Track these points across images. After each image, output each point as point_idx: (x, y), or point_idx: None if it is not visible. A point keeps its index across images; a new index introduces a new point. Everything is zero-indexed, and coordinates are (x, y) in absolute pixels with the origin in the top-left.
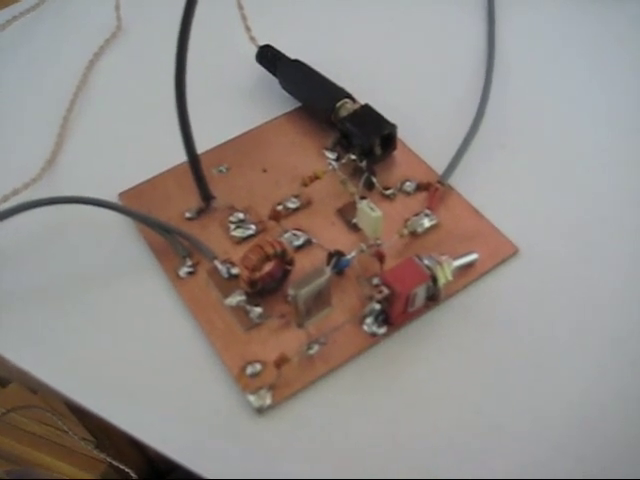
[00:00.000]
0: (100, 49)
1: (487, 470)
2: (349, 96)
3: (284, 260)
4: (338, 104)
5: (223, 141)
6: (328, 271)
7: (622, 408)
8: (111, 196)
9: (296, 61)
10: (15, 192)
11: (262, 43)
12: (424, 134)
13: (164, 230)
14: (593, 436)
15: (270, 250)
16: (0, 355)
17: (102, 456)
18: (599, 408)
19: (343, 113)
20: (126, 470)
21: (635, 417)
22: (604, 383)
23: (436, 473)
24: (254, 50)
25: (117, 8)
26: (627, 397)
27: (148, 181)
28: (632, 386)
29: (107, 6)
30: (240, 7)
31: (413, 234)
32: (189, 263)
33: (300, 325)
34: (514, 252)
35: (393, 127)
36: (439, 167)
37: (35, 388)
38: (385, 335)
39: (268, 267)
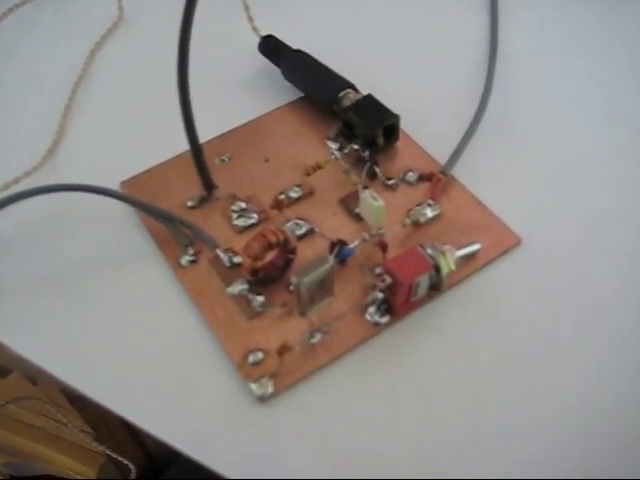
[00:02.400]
0: (102, 39)
1: (486, 461)
2: (352, 86)
3: (286, 249)
4: (341, 94)
5: (225, 131)
6: (331, 259)
7: (622, 405)
8: (113, 185)
9: (299, 51)
10: (17, 180)
11: (265, 33)
12: (427, 125)
13: (166, 218)
14: (593, 432)
15: (273, 239)
16: (1, 343)
17: (101, 448)
18: (599, 404)
19: (346, 103)
20: (125, 462)
21: (635, 413)
22: (604, 378)
23: (435, 462)
24: (257, 40)
25: None
26: (627, 394)
27: (150, 170)
28: (632, 382)
29: None
30: None
31: (416, 224)
32: (191, 252)
33: (302, 314)
34: (517, 242)
35: (396, 117)
36: (441, 158)
37: (35, 377)
38: (387, 324)
39: (270, 256)
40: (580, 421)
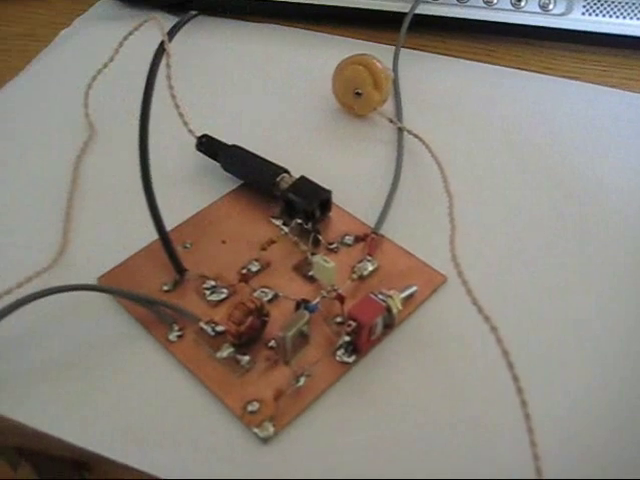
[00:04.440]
0: (81, 152)
1: (456, 470)
2: (286, 171)
3: (261, 313)
4: (278, 179)
5: (180, 222)
6: (307, 314)
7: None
8: (91, 280)
9: (234, 146)
10: (19, 285)
11: (199, 134)
12: (352, 195)
13: (149, 303)
14: (550, 446)
15: (252, 305)
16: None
17: None
18: (543, 414)
19: (284, 186)
20: None
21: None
22: (535, 389)
23: (406, 470)
24: (193, 140)
25: (87, 115)
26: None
27: (123, 263)
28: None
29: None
30: (177, 106)
31: (361, 278)
32: (176, 328)
33: (287, 362)
34: (444, 280)
35: (329, 192)
36: (369, 221)
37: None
38: (355, 362)
39: (249, 320)
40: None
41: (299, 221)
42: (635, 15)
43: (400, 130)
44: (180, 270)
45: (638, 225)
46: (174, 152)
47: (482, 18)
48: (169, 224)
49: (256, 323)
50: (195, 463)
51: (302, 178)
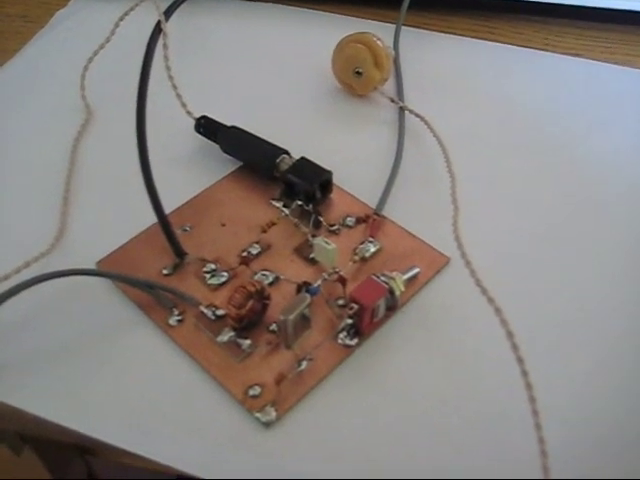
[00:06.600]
0: (79, 134)
1: (458, 449)
2: (286, 152)
3: (262, 296)
4: (278, 160)
5: (179, 205)
6: (309, 297)
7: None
8: (89, 264)
9: (233, 127)
10: (17, 270)
11: (198, 115)
12: (353, 176)
13: (148, 287)
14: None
15: (252, 289)
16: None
17: None
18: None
19: (284, 167)
20: None
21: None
22: (536, 370)
23: (408, 453)
24: (192, 122)
25: (83, 98)
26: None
27: (122, 247)
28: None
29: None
30: (174, 87)
31: (363, 259)
32: (176, 312)
33: (289, 347)
34: (446, 261)
35: (329, 173)
36: (370, 202)
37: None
38: (357, 345)
39: (250, 304)
40: (521, 412)
41: (300, 203)
42: None
43: (401, 109)
44: (180, 254)
45: None
46: (172, 134)
47: None
48: (168, 207)
49: (257, 306)
50: (196, 448)
51: (302, 159)
